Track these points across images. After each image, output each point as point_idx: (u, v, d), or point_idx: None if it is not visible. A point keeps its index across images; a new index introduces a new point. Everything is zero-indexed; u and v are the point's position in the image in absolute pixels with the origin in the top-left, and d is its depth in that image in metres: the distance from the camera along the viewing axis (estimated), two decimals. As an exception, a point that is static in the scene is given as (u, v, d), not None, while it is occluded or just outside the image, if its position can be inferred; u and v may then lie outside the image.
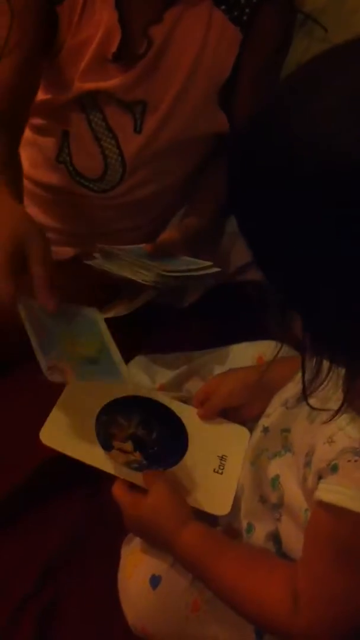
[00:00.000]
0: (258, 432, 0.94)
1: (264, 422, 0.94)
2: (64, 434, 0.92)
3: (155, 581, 0.89)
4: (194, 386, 1.12)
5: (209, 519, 0.90)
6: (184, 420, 1.01)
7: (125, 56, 1.18)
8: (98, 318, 1.06)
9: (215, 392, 1.03)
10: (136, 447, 0.95)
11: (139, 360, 1.17)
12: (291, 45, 1.22)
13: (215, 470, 0.94)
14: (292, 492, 0.81)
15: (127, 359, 1.15)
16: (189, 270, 1.14)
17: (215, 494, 0.92)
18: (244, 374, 1.03)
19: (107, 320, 1.24)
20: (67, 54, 1.21)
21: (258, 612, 0.77)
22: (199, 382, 1.12)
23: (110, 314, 1.24)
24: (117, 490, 0.89)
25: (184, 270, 1.14)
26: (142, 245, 1.18)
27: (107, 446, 0.93)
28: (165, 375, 1.15)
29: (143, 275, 1.12)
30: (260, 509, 0.87)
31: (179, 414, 1.01)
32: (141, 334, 1.26)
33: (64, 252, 1.36)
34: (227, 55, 1.19)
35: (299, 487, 0.79)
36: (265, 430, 0.92)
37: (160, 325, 1.28)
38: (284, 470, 0.84)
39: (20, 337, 1.04)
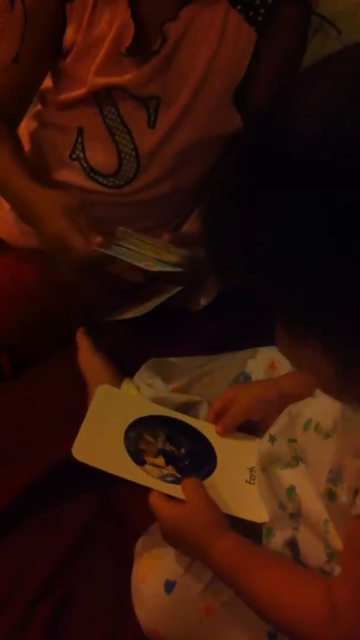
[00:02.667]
0: (265, 440, 0.93)
1: (270, 430, 0.94)
2: (96, 450, 0.93)
3: (169, 586, 0.89)
4: (207, 390, 1.11)
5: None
6: (207, 436, 1.01)
7: (139, 51, 1.19)
8: None
9: (232, 406, 1.01)
10: (168, 461, 0.95)
11: (153, 362, 1.16)
12: (307, 47, 1.22)
13: (247, 481, 0.94)
14: (310, 503, 0.81)
15: (141, 362, 1.16)
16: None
17: (252, 502, 0.91)
18: (261, 389, 1.01)
19: (122, 321, 1.24)
20: (79, 51, 1.22)
21: (294, 624, 0.76)
22: (212, 386, 1.12)
23: (124, 316, 1.24)
24: (155, 500, 0.87)
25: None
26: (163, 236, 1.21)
27: (139, 461, 0.93)
28: (179, 378, 1.14)
29: (167, 255, 1.15)
30: (280, 515, 0.87)
31: (200, 430, 1.02)
32: (155, 337, 1.26)
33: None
34: (243, 55, 1.19)
35: (317, 499, 0.79)
36: (272, 439, 0.92)
37: (174, 328, 1.27)
38: (299, 481, 0.83)
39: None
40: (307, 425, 0.84)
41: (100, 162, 1.30)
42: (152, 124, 1.25)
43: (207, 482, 0.91)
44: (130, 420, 0.98)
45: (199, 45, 1.19)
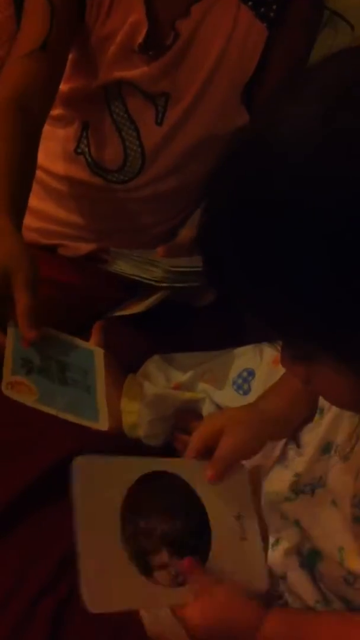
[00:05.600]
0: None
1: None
2: (107, 590, 0.83)
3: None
4: (209, 386, 1.11)
5: None
6: (189, 481, 0.92)
7: (151, 48, 1.19)
8: (97, 359, 1.06)
9: (221, 442, 0.90)
10: (171, 550, 0.87)
11: (155, 359, 1.16)
12: (315, 43, 1.22)
13: (242, 538, 0.89)
14: (321, 532, 0.80)
15: (143, 358, 1.16)
16: (198, 267, 1.13)
17: (253, 568, 0.88)
18: (248, 417, 0.93)
19: (123, 318, 1.24)
20: (93, 45, 1.22)
21: None
22: (215, 382, 1.11)
23: (125, 312, 1.24)
24: (177, 612, 0.82)
25: (192, 266, 1.13)
26: (156, 250, 1.19)
27: (147, 570, 0.84)
28: (181, 375, 1.14)
29: (152, 273, 1.13)
30: (283, 524, 0.86)
31: (183, 477, 0.92)
32: (157, 333, 1.25)
33: (79, 248, 1.36)
34: (253, 51, 1.19)
35: (332, 525, 0.78)
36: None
37: (177, 324, 1.27)
38: (301, 514, 0.82)
39: None
40: (326, 449, 0.82)
41: (105, 157, 1.30)
42: (159, 121, 1.25)
43: (211, 559, 0.86)
44: (119, 507, 0.87)
45: (210, 42, 1.19)
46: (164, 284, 1.14)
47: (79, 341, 1.09)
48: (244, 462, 0.93)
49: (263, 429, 0.91)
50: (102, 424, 1.00)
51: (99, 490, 0.87)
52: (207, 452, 0.91)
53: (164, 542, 0.87)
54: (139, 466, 0.90)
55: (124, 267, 1.18)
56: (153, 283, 1.14)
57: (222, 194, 0.59)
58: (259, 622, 0.78)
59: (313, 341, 0.60)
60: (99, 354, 1.09)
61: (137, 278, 1.15)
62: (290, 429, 0.92)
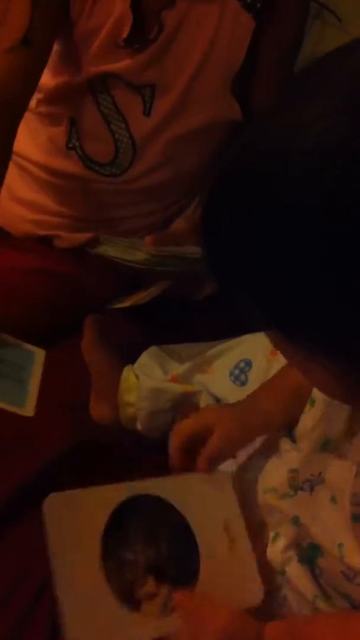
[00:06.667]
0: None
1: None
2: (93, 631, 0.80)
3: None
4: (206, 378, 1.12)
5: None
6: (172, 500, 0.88)
7: (136, 41, 1.18)
8: (38, 359, 1.08)
9: (209, 440, 0.89)
10: (157, 577, 0.84)
11: (153, 351, 1.17)
12: (305, 35, 1.21)
13: (230, 548, 0.87)
14: (321, 529, 0.80)
15: (141, 351, 1.16)
16: (184, 253, 1.13)
17: (245, 578, 0.85)
18: (241, 414, 0.91)
19: (121, 310, 1.24)
20: (78, 39, 1.21)
21: None
22: (212, 373, 1.12)
23: (126, 304, 1.24)
24: None
25: (177, 252, 1.13)
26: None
27: (132, 604, 0.81)
28: (178, 366, 1.14)
29: (134, 255, 1.13)
30: (281, 520, 0.86)
31: (163, 496, 0.88)
32: (156, 326, 1.26)
33: (75, 239, 1.36)
34: (240, 43, 1.19)
35: (331, 522, 0.78)
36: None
37: (175, 317, 1.27)
38: (301, 510, 0.82)
39: None
40: (324, 445, 0.82)
41: (96, 150, 1.29)
42: (147, 112, 1.24)
43: (201, 582, 0.84)
44: (98, 543, 0.83)
45: (196, 33, 1.18)
46: (145, 266, 1.13)
47: (23, 343, 1.10)
48: (227, 466, 0.92)
49: (250, 422, 0.91)
50: (28, 411, 1.01)
51: (74, 527, 0.83)
52: (190, 452, 0.90)
53: (150, 570, 0.84)
54: (113, 497, 0.86)
55: (109, 250, 1.19)
56: (135, 265, 1.13)
57: (224, 190, 0.59)
58: (257, 635, 0.77)
59: (313, 340, 0.60)
60: (40, 355, 1.09)
61: (119, 261, 1.15)
62: (277, 423, 0.92)
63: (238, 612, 0.79)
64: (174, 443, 0.91)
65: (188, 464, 0.91)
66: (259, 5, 1.16)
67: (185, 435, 0.91)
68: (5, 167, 1.16)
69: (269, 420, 0.92)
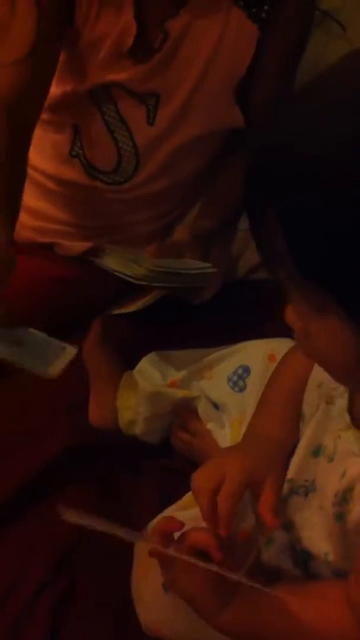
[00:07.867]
0: None
1: None
2: None
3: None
4: (205, 384, 1.12)
5: None
6: None
7: (140, 51, 1.19)
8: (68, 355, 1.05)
9: (224, 489, 0.82)
10: None
11: (152, 357, 1.17)
12: (308, 43, 1.22)
13: None
14: (310, 535, 0.81)
15: (140, 355, 1.17)
16: (183, 269, 1.14)
17: None
18: (249, 453, 0.87)
19: (121, 315, 1.25)
20: (82, 48, 1.21)
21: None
22: (211, 379, 1.12)
23: (122, 310, 1.25)
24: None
25: (177, 268, 1.14)
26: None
27: None
28: (177, 372, 1.14)
29: (133, 270, 1.14)
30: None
31: None
32: (156, 330, 1.26)
33: (75, 247, 1.37)
34: (244, 52, 1.20)
35: (318, 531, 0.79)
36: None
37: (176, 321, 1.28)
38: (295, 515, 0.83)
39: None
40: (316, 452, 0.83)
41: (99, 159, 1.30)
42: (151, 121, 1.25)
43: None
44: None
45: (200, 43, 1.19)
46: (142, 282, 1.14)
47: (55, 340, 1.08)
48: None
49: (263, 455, 0.87)
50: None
51: None
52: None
53: None
54: None
55: (110, 262, 1.19)
56: (132, 280, 1.14)
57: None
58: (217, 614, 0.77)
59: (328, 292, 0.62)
60: (71, 352, 1.06)
61: (118, 274, 1.16)
62: (287, 446, 0.89)
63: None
64: (203, 505, 0.83)
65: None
66: (263, 14, 1.17)
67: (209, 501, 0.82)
68: (23, 180, 1.16)
69: (280, 447, 0.89)
